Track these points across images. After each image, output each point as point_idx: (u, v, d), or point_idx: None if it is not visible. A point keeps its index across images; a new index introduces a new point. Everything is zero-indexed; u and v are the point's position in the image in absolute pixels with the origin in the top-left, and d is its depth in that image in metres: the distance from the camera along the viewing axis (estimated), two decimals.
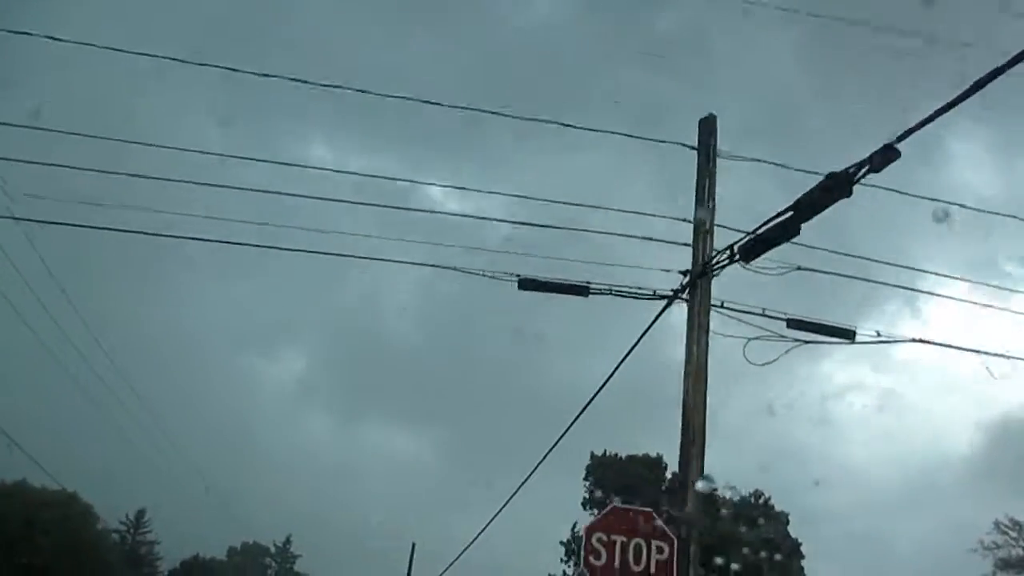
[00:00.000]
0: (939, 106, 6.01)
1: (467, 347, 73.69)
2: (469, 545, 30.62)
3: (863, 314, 11.80)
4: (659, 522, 9.41)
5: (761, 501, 44.95)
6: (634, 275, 10.15)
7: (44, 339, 25.89)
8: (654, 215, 10.54)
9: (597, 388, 11.63)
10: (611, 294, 10.13)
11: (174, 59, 10.39)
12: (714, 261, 9.53)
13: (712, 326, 9.60)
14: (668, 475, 45.23)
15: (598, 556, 9.14)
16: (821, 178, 7.62)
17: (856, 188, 7.30)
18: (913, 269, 11.73)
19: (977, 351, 10.82)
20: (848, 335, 10.21)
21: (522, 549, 46.99)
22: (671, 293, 9.84)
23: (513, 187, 11.92)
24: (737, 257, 9.01)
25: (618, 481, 43.70)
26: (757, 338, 9.66)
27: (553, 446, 22.29)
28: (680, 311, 9.75)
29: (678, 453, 9.30)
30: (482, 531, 29.27)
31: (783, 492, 44.97)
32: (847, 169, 7.25)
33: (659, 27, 77.25)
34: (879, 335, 10.57)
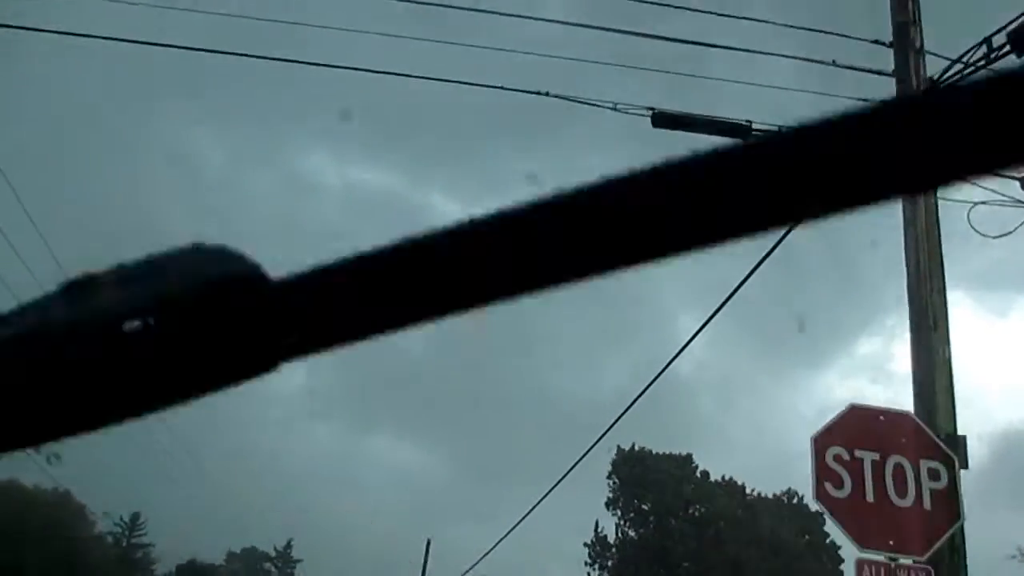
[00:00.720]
0: None
1: (476, 357, 71.77)
2: (493, 547, 28.55)
3: None
4: (929, 433, 5.93)
5: None
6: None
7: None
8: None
9: (643, 388, 10.96)
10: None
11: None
12: (969, 59, 6.59)
13: None
14: (698, 474, 43.05)
15: (838, 483, 5.58)
16: None
17: None
18: None
19: None
20: None
21: (541, 555, 44.61)
22: None
23: None
24: (1006, 50, 6.10)
25: (646, 478, 41.36)
26: (985, 203, 7.23)
27: (589, 448, 20.08)
28: None
29: (910, 346, 6.54)
30: (508, 533, 27.20)
31: None
32: None
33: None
34: None
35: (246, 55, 9.61)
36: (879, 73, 7.62)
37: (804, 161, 0.50)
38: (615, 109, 7.78)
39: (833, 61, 7.99)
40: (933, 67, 7.15)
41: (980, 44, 6.46)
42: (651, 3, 8.70)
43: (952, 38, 7.14)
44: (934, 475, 5.57)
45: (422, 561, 38.59)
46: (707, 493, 40.64)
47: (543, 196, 0.53)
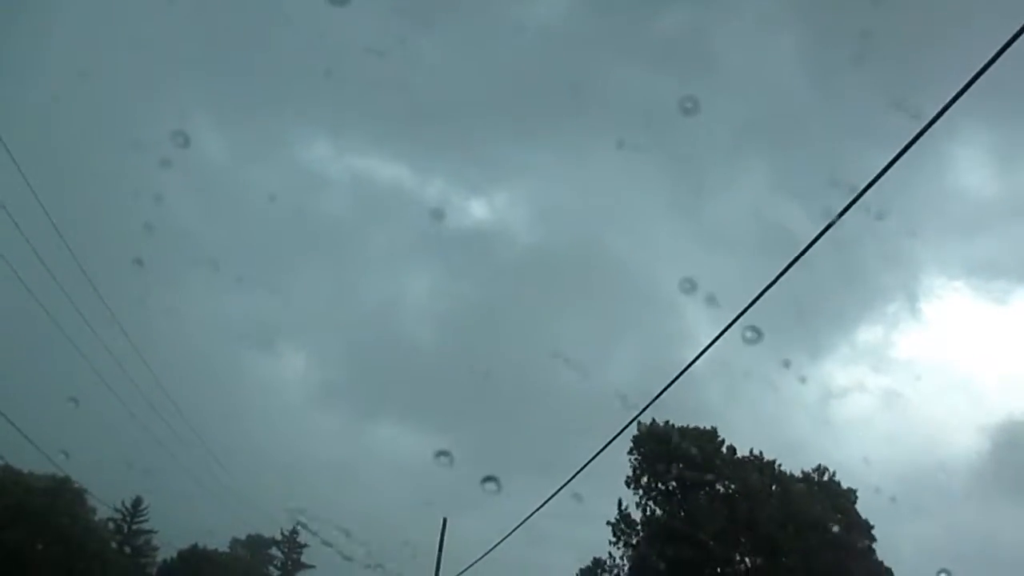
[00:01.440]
0: None
1: (485, 349, 70.17)
2: (511, 532, 26.96)
3: None
4: None
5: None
6: None
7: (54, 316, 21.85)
8: None
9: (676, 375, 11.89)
10: None
11: None
12: None
13: None
14: (724, 449, 41.20)
15: None
16: None
17: None
18: None
19: None
20: None
21: (561, 538, 42.81)
22: None
23: None
24: None
25: (670, 453, 39.45)
26: None
27: (608, 443, 18.88)
28: None
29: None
30: (524, 520, 25.67)
31: None
32: None
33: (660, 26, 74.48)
34: None
35: None
36: None
37: None
38: None
39: None
40: None
41: None
42: None
43: None
44: None
45: (438, 540, 37.06)
46: (736, 468, 38.79)
47: None
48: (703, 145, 76.94)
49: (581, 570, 43.47)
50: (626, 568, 40.54)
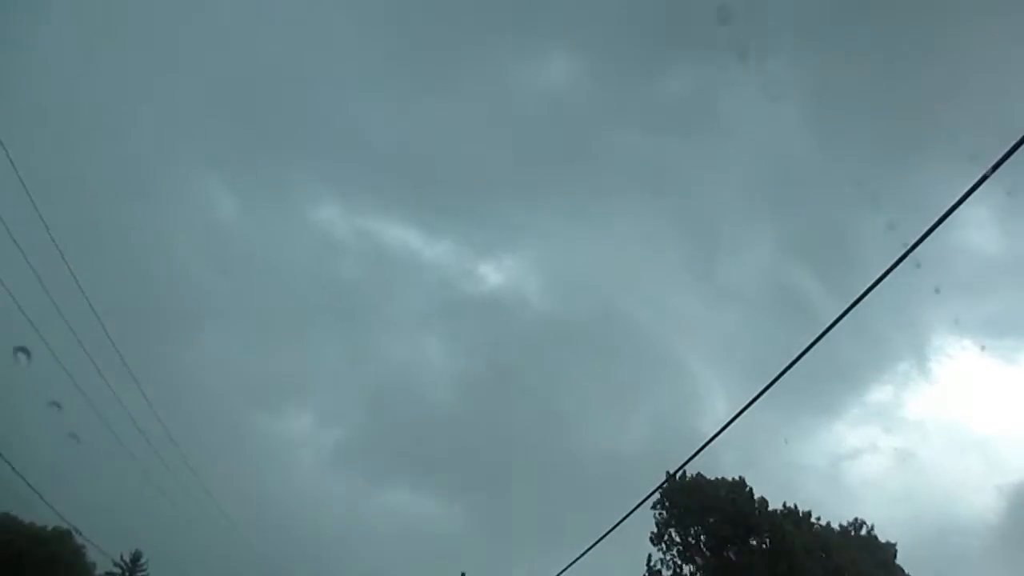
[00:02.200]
0: None
1: (499, 415, 69.25)
2: None
3: None
4: None
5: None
6: None
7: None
8: None
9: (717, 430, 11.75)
10: None
11: None
12: None
13: None
14: (755, 502, 39.54)
15: None
16: None
17: None
18: None
19: None
20: None
21: None
22: None
23: None
24: None
25: (703, 507, 37.84)
26: None
27: (635, 508, 17.97)
28: None
29: None
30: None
31: None
32: None
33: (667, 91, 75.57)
34: None
35: None
36: None
37: None
38: None
39: None
40: None
41: None
42: None
43: None
44: None
45: None
46: (770, 522, 37.13)
47: None
48: (711, 206, 77.35)
49: None
50: None
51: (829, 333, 9.65)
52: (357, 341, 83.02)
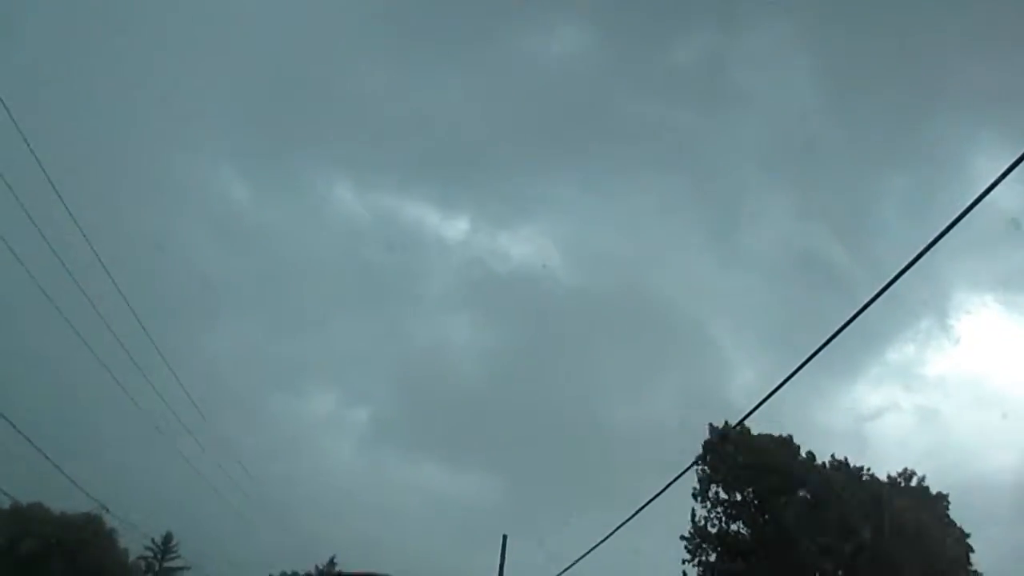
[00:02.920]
0: None
1: (528, 388, 68.16)
2: (581, 558, 24.81)
3: None
4: None
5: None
6: None
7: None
8: None
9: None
10: None
11: None
12: None
13: None
14: (802, 455, 38.33)
15: None
16: None
17: None
18: None
19: None
20: None
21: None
22: None
23: None
24: None
25: (746, 461, 36.59)
26: None
27: (676, 478, 17.83)
28: None
29: None
30: (589, 552, 23.82)
31: None
32: None
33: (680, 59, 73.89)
34: None
35: None
36: None
37: None
38: None
39: None
40: None
41: None
42: None
43: None
44: None
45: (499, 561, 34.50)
46: (819, 475, 35.89)
47: None
48: (730, 175, 75.78)
49: None
50: None
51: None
52: (382, 320, 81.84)
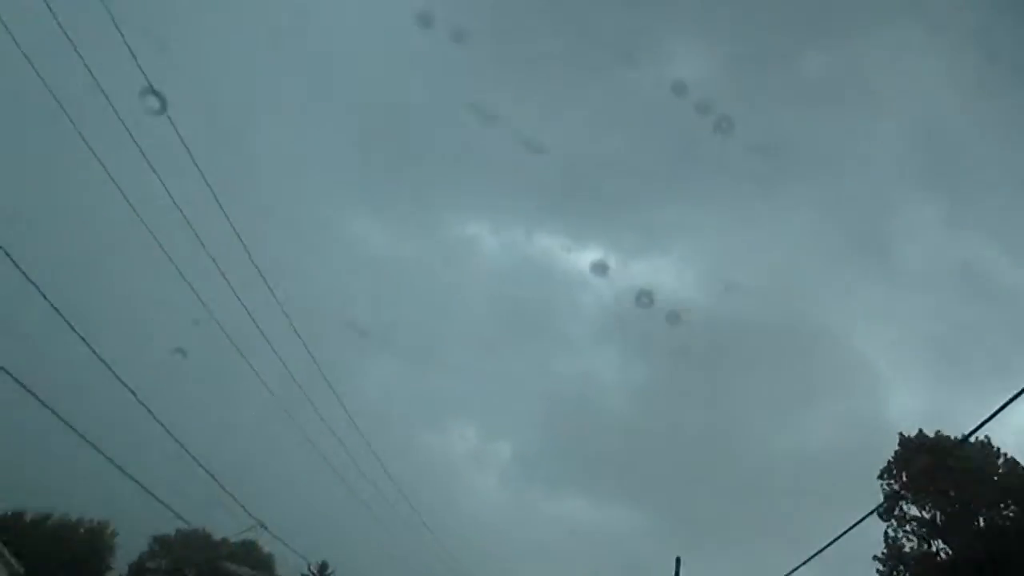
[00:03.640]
0: None
1: (676, 420, 65.63)
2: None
3: None
4: None
5: None
6: None
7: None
8: None
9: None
10: None
11: None
12: None
13: None
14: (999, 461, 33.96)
15: None
16: None
17: None
18: None
19: None
20: None
21: None
22: None
23: None
24: None
25: (941, 472, 32.60)
26: None
27: (870, 513, 19.66)
28: None
29: None
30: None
31: None
32: None
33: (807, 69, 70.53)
34: None
35: None
36: None
37: None
38: None
39: None
40: None
41: None
42: None
43: None
44: None
45: None
46: None
47: None
48: (873, 187, 71.21)
49: None
50: None
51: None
52: (523, 355, 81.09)
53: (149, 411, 14.91)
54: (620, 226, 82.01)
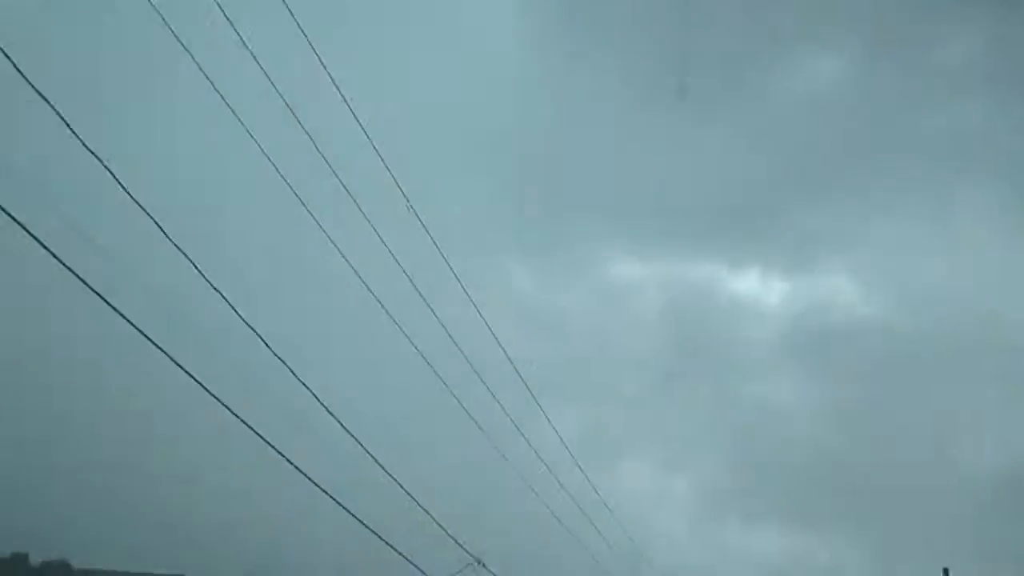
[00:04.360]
0: None
1: (868, 442, 63.22)
2: None
3: None
4: None
5: None
6: None
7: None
8: None
9: None
10: None
11: None
12: None
13: None
14: None
15: None
16: None
17: None
18: None
19: None
20: None
21: None
22: None
23: None
24: None
25: None
26: None
27: None
28: None
29: None
30: None
31: None
32: None
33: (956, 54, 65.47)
34: None
35: None
36: None
37: None
38: None
39: None
40: None
41: None
42: None
43: None
44: None
45: None
46: None
47: None
48: None
49: None
50: None
51: None
52: (700, 387, 79.13)
53: (374, 458, 15.35)
54: (779, 245, 79.30)
